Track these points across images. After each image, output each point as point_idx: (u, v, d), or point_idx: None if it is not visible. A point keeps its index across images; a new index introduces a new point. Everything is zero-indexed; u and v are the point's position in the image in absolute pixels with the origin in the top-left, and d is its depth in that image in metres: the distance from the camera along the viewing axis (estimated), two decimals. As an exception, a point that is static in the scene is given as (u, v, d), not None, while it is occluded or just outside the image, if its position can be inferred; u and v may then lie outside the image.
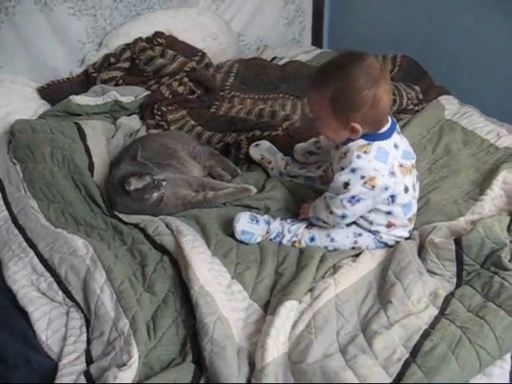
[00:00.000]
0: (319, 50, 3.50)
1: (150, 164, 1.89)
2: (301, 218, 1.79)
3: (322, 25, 3.78)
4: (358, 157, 1.57)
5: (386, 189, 1.59)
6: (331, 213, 1.65)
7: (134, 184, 1.81)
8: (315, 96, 1.62)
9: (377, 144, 1.58)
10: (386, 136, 1.61)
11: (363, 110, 1.52)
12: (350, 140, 1.61)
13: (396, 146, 1.62)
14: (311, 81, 1.64)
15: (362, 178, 1.56)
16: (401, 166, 1.62)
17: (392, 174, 1.59)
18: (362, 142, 1.59)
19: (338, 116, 1.57)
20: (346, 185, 1.58)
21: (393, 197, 1.63)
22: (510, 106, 2.65)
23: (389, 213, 1.67)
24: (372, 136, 1.59)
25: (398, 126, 1.70)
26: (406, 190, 1.66)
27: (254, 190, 1.95)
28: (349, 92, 1.52)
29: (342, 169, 1.60)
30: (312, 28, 3.78)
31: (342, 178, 1.59)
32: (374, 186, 1.57)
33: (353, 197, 1.59)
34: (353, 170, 1.57)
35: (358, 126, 1.55)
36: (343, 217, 1.65)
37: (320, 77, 1.60)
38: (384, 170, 1.58)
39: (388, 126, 1.62)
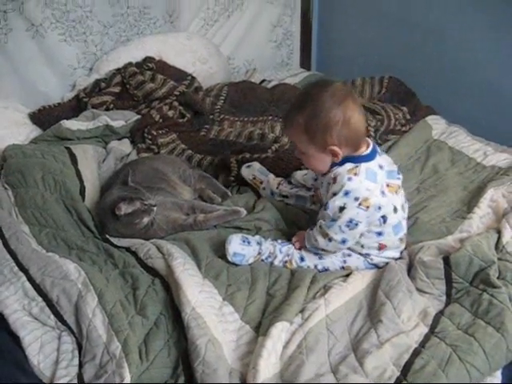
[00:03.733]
0: (308, 73, 3.55)
1: (140, 188, 1.90)
2: (297, 248, 1.79)
3: (310, 47, 3.81)
4: (349, 179, 1.59)
5: (380, 208, 1.61)
6: (330, 240, 1.66)
7: (124, 209, 1.82)
8: (290, 129, 1.68)
9: (364, 165, 1.61)
10: (371, 157, 1.64)
11: (336, 129, 1.56)
12: (335, 165, 1.64)
13: (380, 167, 1.65)
14: (285, 116, 1.72)
15: (356, 199, 1.58)
16: (388, 185, 1.65)
17: (383, 193, 1.62)
18: (349, 165, 1.62)
19: (314, 142, 1.61)
20: (342, 209, 1.60)
21: (384, 217, 1.65)
22: (496, 124, 2.68)
23: (380, 234, 1.68)
24: (358, 158, 1.62)
25: (379, 149, 1.73)
26: (395, 210, 1.67)
27: (244, 213, 1.96)
28: (318, 115, 1.57)
29: (334, 194, 1.61)
30: (300, 51, 3.82)
31: (336, 203, 1.60)
32: (368, 207, 1.59)
33: (350, 220, 1.61)
34: (346, 193, 1.59)
35: (336, 148, 1.59)
36: (343, 241, 1.66)
37: (290, 110, 1.67)
38: (376, 189, 1.60)
39: (370, 148, 1.66)
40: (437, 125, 2.53)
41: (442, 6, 2.88)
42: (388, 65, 3.12)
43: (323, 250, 1.72)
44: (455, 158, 2.29)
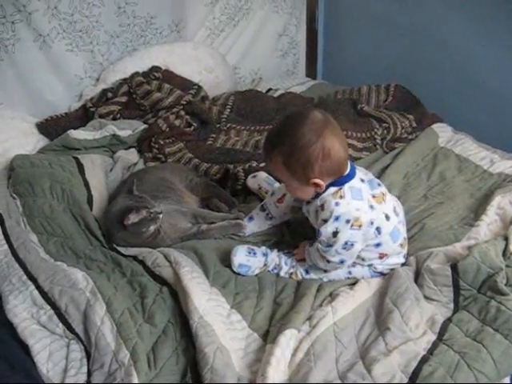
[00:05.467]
0: (313, 82, 3.55)
1: (145, 196, 1.90)
2: (298, 259, 1.79)
3: (316, 56, 3.83)
4: (337, 204, 1.57)
5: (372, 223, 1.61)
6: (329, 262, 1.66)
7: (132, 218, 1.82)
8: (270, 163, 1.66)
9: (347, 185, 1.60)
10: (352, 175, 1.62)
11: (317, 164, 1.53)
12: (317, 194, 1.63)
13: (362, 181, 1.64)
14: (263, 151, 1.68)
15: (348, 221, 1.57)
16: (373, 196, 1.65)
17: (371, 207, 1.62)
18: (333, 189, 1.60)
19: (296, 177, 1.59)
20: (335, 234, 1.59)
21: (378, 229, 1.64)
22: (502, 132, 2.68)
23: (378, 245, 1.68)
24: (340, 180, 1.60)
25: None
26: (387, 217, 1.67)
27: (246, 226, 1.95)
28: (297, 152, 1.54)
29: (325, 221, 1.60)
30: (306, 60, 3.84)
31: (328, 229, 1.59)
32: (360, 226, 1.58)
33: (345, 243, 1.60)
34: (336, 218, 1.57)
35: (318, 180, 1.57)
36: (342, 262, 1.66)
37: (268, 145, 1.65)
38: (364, 206, 1.59)
39: (349, 166, 1.63)
40: (443, 132, 2.54)
41: (448, 15, 2.88)
42: (394, 73, 3.12)
43: (324, 269, 1.73)
44: (462, 165, 2.29)
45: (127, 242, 1.91)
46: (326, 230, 1.59)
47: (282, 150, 1.57)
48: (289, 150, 1.55)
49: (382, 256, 1.71)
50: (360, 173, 1.67)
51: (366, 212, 1.59)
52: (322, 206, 1.61)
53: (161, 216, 1.87)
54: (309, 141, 1.52)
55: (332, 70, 3.82)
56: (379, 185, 1.72)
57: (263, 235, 1.95)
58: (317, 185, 1.58)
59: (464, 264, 1.59)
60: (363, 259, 1.71)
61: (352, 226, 1.57)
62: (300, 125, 1.55)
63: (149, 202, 1.87)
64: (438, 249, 1.73)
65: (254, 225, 1.96)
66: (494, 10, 2.66)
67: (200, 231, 1.94)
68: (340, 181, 1.60)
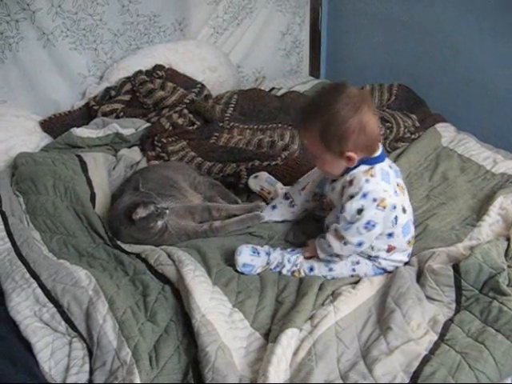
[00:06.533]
0: (317, 81, 3.55)
1: (152, 193, 1.91)
2: (307, 256, 1.78)
3: (319, 55, 3.82)
4: (367, 181, 1.59)
5: (394, 208, 1.62)
6: (346, 243, 1.65)
7: (140, 213, 1.82)
8: (305, 134, 1.68)
9: (378, 166, 1.62)
10: (382, 158, 1.66)
11: (352, 137, 1.56)
12: (348, 169, 1.64)
13: (390, 167, 1.67)
14: (298, 120, 1.70)
15: (374, 200, 1.58)
16: (397, 185, 1.67)
17: (396, 192, 1.64)
18: (364, 167, 1.62)
19: (330, 149, 1.60)
20: (360, 211, 1.59)
21: (396, 218, 1.65)
22: (505, 132, 2.68)
23: (390, 235, 1.68)
24: (371, 160, 1.63)
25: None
26: (404, 210, 1.69)
27: (265, 217, 1.97)
28: (334, 125, 1.56)
29: (351, 196, 1.61)
30: (309, 59, 3.83)
31: (354, 205, 1.60)
32: (385, 207, 1.59)
33: (368, 222, 1.60)
34: (364, 195, 1.59)
35: (352, 154, 1.58)
36: (359, 244, 1.65)
37: (305, 115, 1.66)
38: (391, 189, 1.62)
39: (381, 148, 1.66)
40: (446, 132, 2.54)
41: (452, 14, 2.87)
42: (397, 72, 3.12)
43: (337, 255, 1.71)
44: (465, 165, 2.29)
45: (134, 238, 1.91)
46: (351, 206, 1.60)
47: (319, 121, 1.59)
48: (326, 121, 1.57)
49: (389, 249, 1.71)
50: (388, 160, 1.70)
51: (391, 196, 1.61)
52: (351, 182, 1.62)
53: (167, 211, 1.87)
54: (347, 114, 1.55)
55: (335, 69, 3.81)
56: (401, 178, 1.75)
57: (269, 230, 1.96)
58: (349, 159, 1.60)
59: (466, 264, 1.58)
60: (372, 248, 1.71)
61: (378, 205, 1.58)
62: (339, 98, 1.57)
63: (155, 198, 1.88)
64: (441, 249, 1.73)
65: (276, 213, 1.99)
66: (500, 9, 2.65)
67: (213, 228, 1.94)
68: (372, 160, 1.63)
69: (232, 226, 1.95)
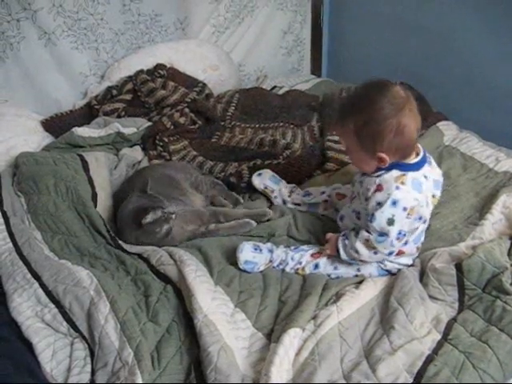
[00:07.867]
0: (318, 79, 3.54)
1: (159, 196, 1.91)
2: (328, 254, 1.75)
3: (321, 54, 3.83)
4: (397, 188, 1.54)
5: (420, 218, 1.60)
6: (376, 253, 1.63)
7: (150, 218, 1.82)
8: (341, 128, 1.63)
9: (411, 175, 1.57)
10: (418, 167, 1.60)
11: (388, 138, 1.51)
12: (379, 169, 1.60)
13: (425, 177, 1.61)
14: (338, 113, 1.65)
15: (405, 209, 1.54)
16: (433, 196, 1.65)
17: (427, 204, 1.60)
18: (396, 172, 1.57)
19: (363, 146, 1.57)
20: (391, 221, 1.55)
21: (416, 228, 1.64)
22: (508, 130, 2.67)
23: (405, 242, 1.66)
24: (405, 166, 1.58)
25: (431, 158, 1.71)
26: (425, 220, 1.67)
27: (254, 224, 1.96)
28: (373, 122, 1.52)
29: (380, 204, 1.56)
30: (311, 57, 3.84)
31: (384, 214, 1.55)
32: (412, 215, 1.56)
33: (399, 232, 1.57)
34: (394, 203, 1.54)
35: (384, 155, 1.54)
36: (390, 253, 1.64)
37: (345, 109, 1.62)
38: (422, 199, 1.57)
39: (420, 156, 1.62)
40: (448, 131, 2.52)
41: (454, 13, 2.87)
42: (398, 71, 3.11)
43: (362, 260, 1.69)
44: (467, 164, 2.28)
45: (140, 241, 1.90)
46: (382, 216, 1.56)
47: (357, 117, 1.55)
48: (365, 119, 1.53)
49: (399, 252, 1.68)
50: (429, 170, 1.64)
51: (421, 206, 1.57)
52: (380, 187, 1.57)
53: (173, 216, 1.87)
54: (387, 114, 1.50)
55: (337, 67, 3.81)
56: (439, 189, 1.71)
57: (269, 228, 1.95)
58: (381, 160, 1.56)
59: (468, 263, 1.58)
60: None
61: (408, 214, 1.55)
62: (381, 96, 1.52)
63: (162, 202, 1.88)
64: (443, 249, 1.72)
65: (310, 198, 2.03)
66: (502, 7, 2.64)
67: (208, 231, 1.95)
68: (406, 167, 1.58)
69: (223, 231, 1.95)
